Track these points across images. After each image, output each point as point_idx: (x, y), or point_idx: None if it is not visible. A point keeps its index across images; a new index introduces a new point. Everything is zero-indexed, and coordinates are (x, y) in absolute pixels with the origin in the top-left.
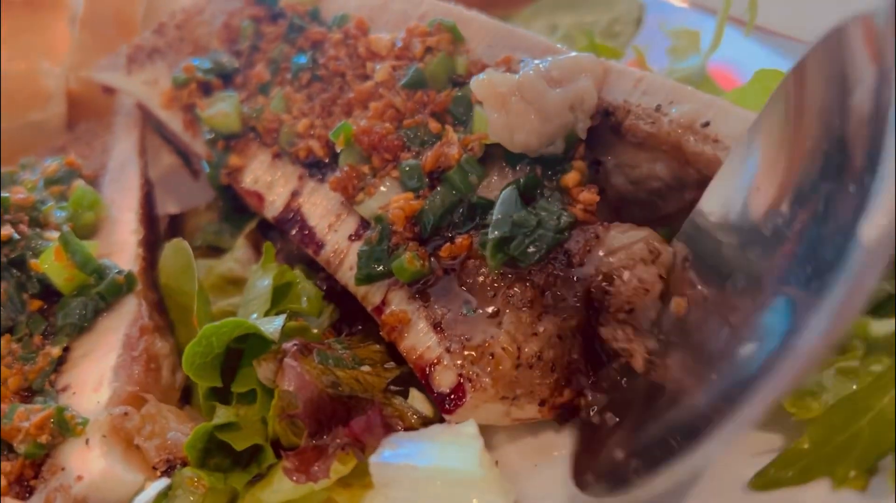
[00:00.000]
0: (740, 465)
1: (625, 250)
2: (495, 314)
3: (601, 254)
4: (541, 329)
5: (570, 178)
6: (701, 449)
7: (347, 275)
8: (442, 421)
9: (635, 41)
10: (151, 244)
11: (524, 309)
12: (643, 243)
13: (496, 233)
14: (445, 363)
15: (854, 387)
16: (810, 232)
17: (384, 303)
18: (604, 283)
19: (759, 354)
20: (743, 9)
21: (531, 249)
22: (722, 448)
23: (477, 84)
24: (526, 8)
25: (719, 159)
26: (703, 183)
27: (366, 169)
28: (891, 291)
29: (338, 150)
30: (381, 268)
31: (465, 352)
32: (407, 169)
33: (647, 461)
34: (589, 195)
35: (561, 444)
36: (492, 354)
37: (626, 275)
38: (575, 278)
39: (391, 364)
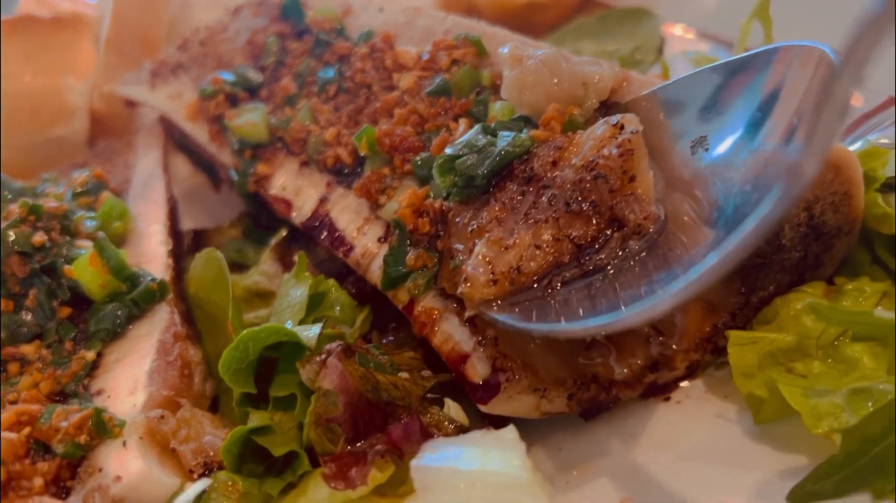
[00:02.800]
0: (775, 483)
1: (591, 139)
2: None
3: (574, 160)
4: (512, 241)
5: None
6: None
7: (377, 275)
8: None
9: (655, 69)
10: (178, 257)
11: (493, 229)
12: (603, 124)
13: (445, 153)
14: (478, 355)
15: (870, 405)
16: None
17: (413, 301)
18: (592, 174)
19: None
20: (759, 41)
21: (481, 164)
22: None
23: (505, 49)
24: (550, 35)
25: None
26: None
27: (387, 171)
28: None
29: (361, 154)
30: (403, 269)
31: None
32: (419, 162)
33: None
34: (551, 112)
35: (591, 459)
36: (466, 278)
37: (605, 150)
38: (552, 184)
39: (427, 372)
